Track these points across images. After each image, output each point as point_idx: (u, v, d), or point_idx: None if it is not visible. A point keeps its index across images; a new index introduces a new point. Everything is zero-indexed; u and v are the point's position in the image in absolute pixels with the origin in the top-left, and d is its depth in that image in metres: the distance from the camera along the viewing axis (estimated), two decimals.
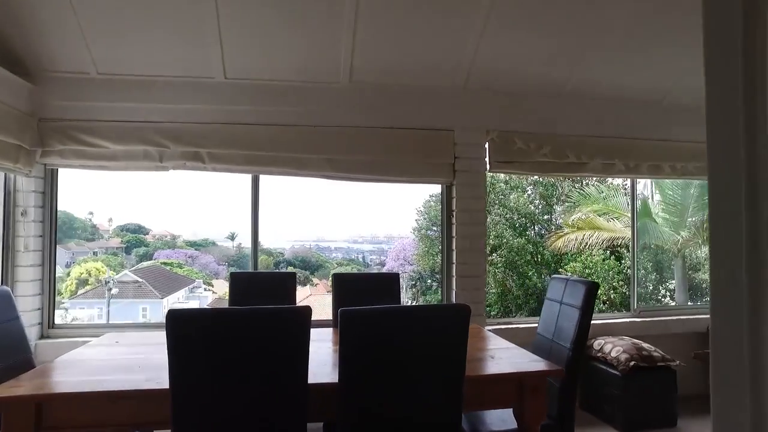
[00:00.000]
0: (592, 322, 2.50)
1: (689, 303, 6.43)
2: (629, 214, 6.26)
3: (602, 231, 6.71)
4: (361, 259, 7.89)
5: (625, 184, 6.95)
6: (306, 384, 1.70)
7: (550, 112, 3.75)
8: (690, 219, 6.24)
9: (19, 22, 2.90)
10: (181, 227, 7.18)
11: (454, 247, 3.63)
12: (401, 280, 3.37)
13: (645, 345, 3.55)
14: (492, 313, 6.74)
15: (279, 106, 3.41)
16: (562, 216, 7.42)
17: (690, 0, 2.89)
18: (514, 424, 2.17)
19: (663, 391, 3.42)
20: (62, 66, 3.19)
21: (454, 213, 3.64)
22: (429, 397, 1.77)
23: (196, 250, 7.13)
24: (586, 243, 6.69)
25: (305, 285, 7.24)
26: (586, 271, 6.75)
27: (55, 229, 3.37)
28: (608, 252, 6.98)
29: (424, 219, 7.71)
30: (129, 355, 2.28)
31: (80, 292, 6.06)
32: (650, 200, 6.64)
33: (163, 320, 1.59)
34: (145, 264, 6.69)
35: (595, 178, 7.15)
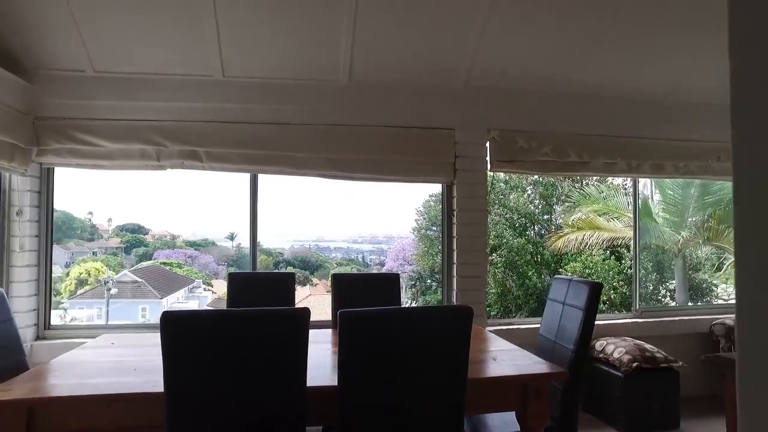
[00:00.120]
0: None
1: (689, 303, 6.41)
2: (629, 214, 6.24)
3: (602, 231, 6.69)
4: (360, 259, 7.86)
5: (626, 184, 6.93)
6: (304, 387, 1.67)
7: (551, 110, 3.71)
8: (690, 219, 6.21)
9: (14, 19, 2.86)
10: (180, 227, 7.16)
11: (454, 246, 3.60)
12: (401, 280, 3.34)
13: (647, 346, 3.51)
14: (492, 313, 6.71)
15: (278, 105, 3.37)
16: (562, 216, 7.39)
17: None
18: (516, 427, 2.14)
19: (666, 393, 3.39)
20: (58, 64, 3.15)
21: (455, 212, 3.60)
22: (430, 400, 1.74)
23: (195, 250, 7.10)
24: (586, 243, 6.67)
25: (305, 285, 7.22)
26: (586, 271, 6.72)
27: (51, 228, 3.33)
28: (608, 252, 6.96)
29: (424, 219, 7.69)
30: (124, 357, 2.24)
31: (79, 292, 6.03)
32: (650, 200, 6.61)
33: None
34: (145, 264, 6.67)
35: (595, 178, 7.13)
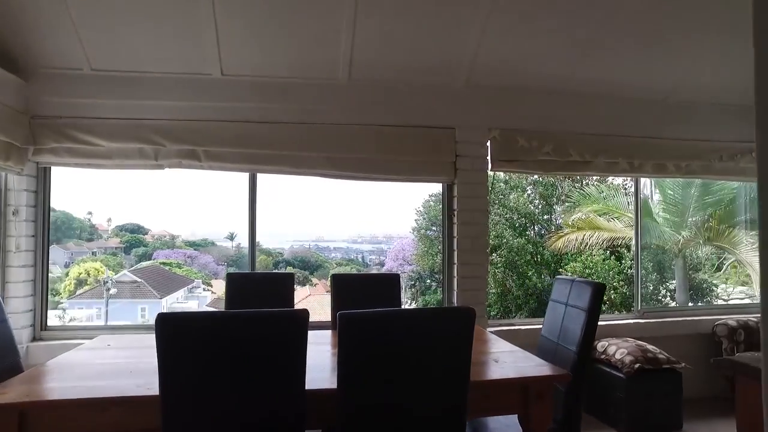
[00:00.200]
0: None
1: (690, 303, 6.38)
2: (629, 214, 6.21)
3: (602, 231, 6.66)
4: (360, 259, 7.83)
5: (626, 184, 6.90)
6: (303, 390, 1.63)
7: (553, 110, 3.69)
8: (691, 219, 6.18)
9: (10, 17, 2.83)
10: (180, 227, 7.13)
11: (455, 247, 3.57)
12: (401, 280, 3.31)
13: (650, 347, 3.49)
14: (492, 313, 6.69)
15: (277, 103, 3.34)
16: (562, 216, 7.36)
17: None
18: (518, 430, 2.11)
19: (668, 394, 3.36)
20: (55, 62, 3.12)
21: (456, 212, 3.57)
22: (431, 403, 1.71)
23: (195, 250, 7.07)
24: (586, 243, 6.64)
25: (304, 285, 7.19)
26: (587, 271, 6.69)
27: (48, 228, 3.30)
28: (608, 252, 6.93)
29: (424, 219, 7.66)
30: (121, 359, 2.21)
31: (79, 292, 6.00)
32: (650, 200, 6.58)
33: None
34: (144, 264, 6.64)
35: (595, 178, 7.10)
